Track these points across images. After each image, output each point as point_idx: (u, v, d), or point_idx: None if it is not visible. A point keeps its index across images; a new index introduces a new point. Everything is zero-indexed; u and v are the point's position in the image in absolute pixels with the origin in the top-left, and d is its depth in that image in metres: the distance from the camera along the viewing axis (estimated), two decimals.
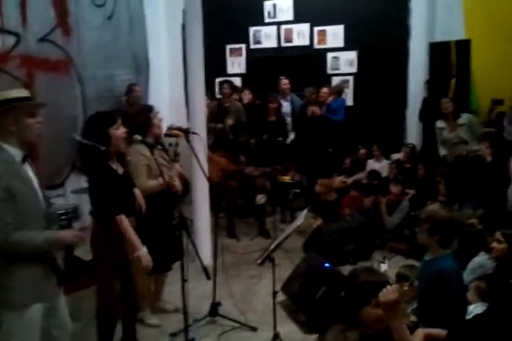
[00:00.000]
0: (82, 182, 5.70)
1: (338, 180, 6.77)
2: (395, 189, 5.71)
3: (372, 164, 7.16)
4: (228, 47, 8.73)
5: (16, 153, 2.45)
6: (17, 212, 2.37)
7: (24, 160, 2.48)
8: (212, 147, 6.41)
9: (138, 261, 3.10)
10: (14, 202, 2.35)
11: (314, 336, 3.67)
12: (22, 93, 2.50)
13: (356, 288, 2.36)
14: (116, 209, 3.05)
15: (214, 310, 4.12)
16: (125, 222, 3.06)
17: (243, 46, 8.68)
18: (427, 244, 3.02)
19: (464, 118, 6.27)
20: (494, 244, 3.48)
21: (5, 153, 2.42)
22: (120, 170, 3.22)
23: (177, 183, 3.65)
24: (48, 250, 2.49)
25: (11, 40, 5.22)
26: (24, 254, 2.39)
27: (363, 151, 7.36)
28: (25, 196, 2.41)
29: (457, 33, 7.16)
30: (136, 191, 3.47)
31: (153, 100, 7.52)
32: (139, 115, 3.87)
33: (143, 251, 3.09)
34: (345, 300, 2.48)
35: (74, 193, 5.44)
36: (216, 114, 6.95)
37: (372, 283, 2.31)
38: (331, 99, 7.57)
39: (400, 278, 3.93)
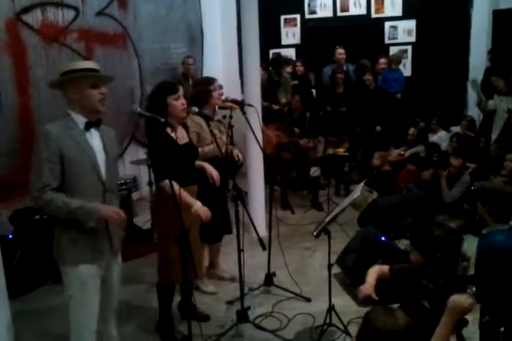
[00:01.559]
0: (141, 153, 5.87)
1: (395, 152, 6.63)
2: (455, 162, 5.52)
3: (431, 137, 6.98)
4: (283, 17, 8.59)
5: (79, 120, 2.55)
6: (68, 176, 2.47)
7: (88, 127, 2.56)
8: (266, 120, 6.39)
9: (197, 215, 3.14)
10: (65, 165, 2.45)
11: (368, 308, 3.69)
12: (88, 64, 2.59)
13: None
14: (162, 175, 3.08)
15: (269, 280, 4.18)
16: (172, 186, 3.01)
17: (298, 16, 8.52)
18: (484, 217, 2.94)
19: None
20: None
21: (68, 119, 2.54)
22: (182, 140, 3.25)
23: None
24: (81, 218, 2.50)
25: (70, 14, 5.33)
26: (60, 217, 2.49)
27: (422, 124, 7.13)
28: (78, 161, 2.49)
29: None
30: (206, 164, 3.51)
31: (207, 72, 7.56)
32: (198, 86, 3.90)
33: (198, 204, 3.13)
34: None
35: (133, 164, 5.58)
36: (267, 87, 6.83)
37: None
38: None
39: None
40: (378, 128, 6.89)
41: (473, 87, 6.46)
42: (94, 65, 2.61)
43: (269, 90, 6.70)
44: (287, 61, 7.19)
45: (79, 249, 2.55)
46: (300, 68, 7.45)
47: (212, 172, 3.50)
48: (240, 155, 3.97)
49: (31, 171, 2.48)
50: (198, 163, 3.49)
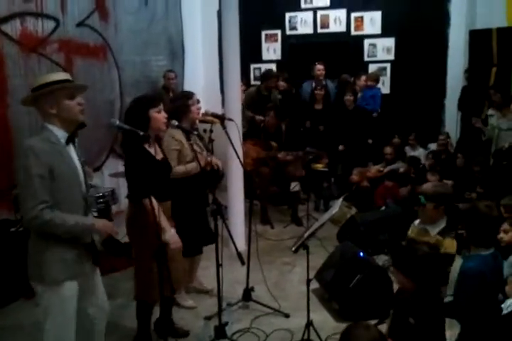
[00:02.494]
0: (120, 166, 5.81)
1: (374, 169, 6.68)
2: (432, 178, 5.60)
3: (408, 152, 7.06)
4: (264, 33, 8.65)
5: (60, 134, 2.48)
6: (56, 191, 2.40)
7: (68, 141, 2.50)
8: (244, 135, 6.38)
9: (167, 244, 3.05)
10: (53, 181, 2.38)
11: (347, 324, 3.68)
12: (61, 76, 2.52)
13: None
14: (144, 193, 3.00)
15: (247, 295, 4.14)
16: (151, 205, 3.01)
17: (279, 32, 8.59)
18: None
19: None
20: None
21: (49, 133, 2.45)
22: (159, 155, 3.23)
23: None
24: (77, 235, 2.49)
25: (50, 25, 5.29)
26: (54, 234, 2.42)
27: (396, 140, 7.19)
28: (66, 176, 2.44)
29: (499, 21, 6.96)
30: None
31: (188, 86, 7.56)
32: (177, 100, 3.89)
33: (171, 233, 3.06)
34: None
35: (111, 177, 5.52)
36: (256, 101, 6.86)
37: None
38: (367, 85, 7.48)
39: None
40: (368, 141, 6.97)
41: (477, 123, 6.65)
42: (66, 75, 2.55)
43: (257, 104, 6.72)
44: (276, 76, 7.19)
45: (66, 265, 2.49)
46: (281, 83, 7.49)
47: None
48: (218, 163, 3.94)
49: (20, 191, 2.39)
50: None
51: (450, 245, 3.59)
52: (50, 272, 2.46)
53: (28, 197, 2.35)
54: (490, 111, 6.50)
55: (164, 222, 3.06)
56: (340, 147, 6.97)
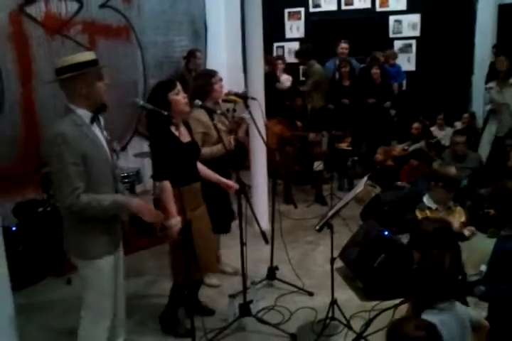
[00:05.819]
0: (144, 145, 5.87)
1: (398, 147, 6.61)
2: (460, 139, 5.48)
3: (438, 133, 6.94)
4: (287, 10, 8.57)
5: (84, 114, 2.49)
6: (88, 174, 2.44)
7: (93, 121, 2.52)
8: (268, 114, 6.36)
9: (167, 229, 2.96)
10: (86, 165, 2.42)
11: (371, 303, 3.70)
12: (90, 56, 2.52)
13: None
14: (162, 175, 3.02)
15: (272, 273, 4.17)
16: (167, 189, 3.00)
17: (302, 10, 8.50)
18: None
19: None
20: None
21: (74, 115, 2.47)
22: (185, 138, 3.21)
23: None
24: (115, 213, 2.56)
25: (74, 7, 5.32)
26: (93, 215, 2.47)
27: (426, 122, 7.03)
28: (96, 158, 2.48)
29: None
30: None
31: (210, 65, 7.53)
32: (200, 79, 3.86)
33: (175, 220, 2.96)
34: None
35: (136, 157, 5.57)
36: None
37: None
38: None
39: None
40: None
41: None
42: (93, 55, 2.54)
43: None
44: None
45: (103, 241, 2.57)
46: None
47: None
48: (232, 142, 3.90)
49: (55, 178, 2.44)
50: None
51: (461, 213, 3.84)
52: (90, 249, 2.54)
53: (63, 184, 2.39)
54: (490, 84, 6.27)
55: (172, 208, 3.00)
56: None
